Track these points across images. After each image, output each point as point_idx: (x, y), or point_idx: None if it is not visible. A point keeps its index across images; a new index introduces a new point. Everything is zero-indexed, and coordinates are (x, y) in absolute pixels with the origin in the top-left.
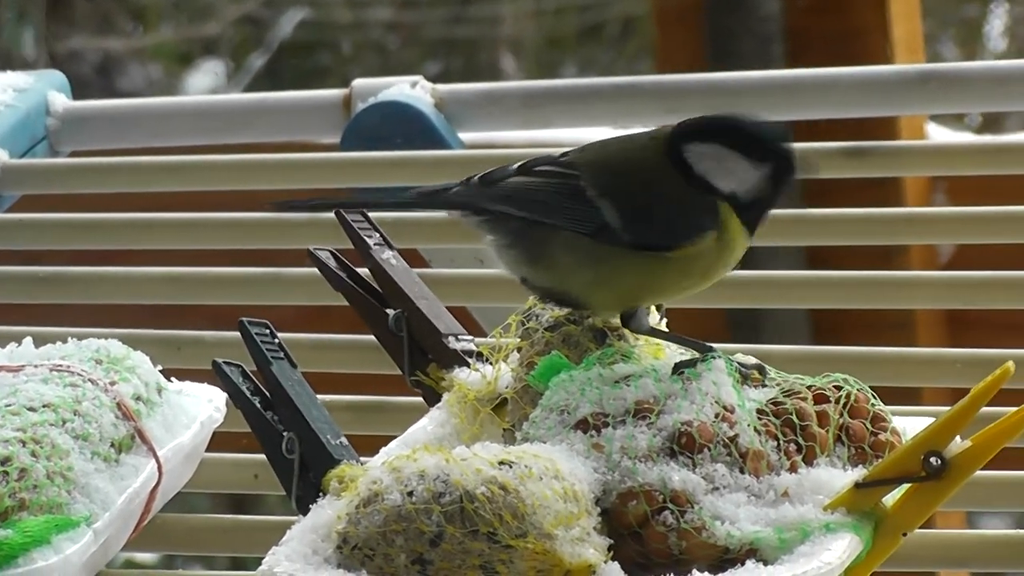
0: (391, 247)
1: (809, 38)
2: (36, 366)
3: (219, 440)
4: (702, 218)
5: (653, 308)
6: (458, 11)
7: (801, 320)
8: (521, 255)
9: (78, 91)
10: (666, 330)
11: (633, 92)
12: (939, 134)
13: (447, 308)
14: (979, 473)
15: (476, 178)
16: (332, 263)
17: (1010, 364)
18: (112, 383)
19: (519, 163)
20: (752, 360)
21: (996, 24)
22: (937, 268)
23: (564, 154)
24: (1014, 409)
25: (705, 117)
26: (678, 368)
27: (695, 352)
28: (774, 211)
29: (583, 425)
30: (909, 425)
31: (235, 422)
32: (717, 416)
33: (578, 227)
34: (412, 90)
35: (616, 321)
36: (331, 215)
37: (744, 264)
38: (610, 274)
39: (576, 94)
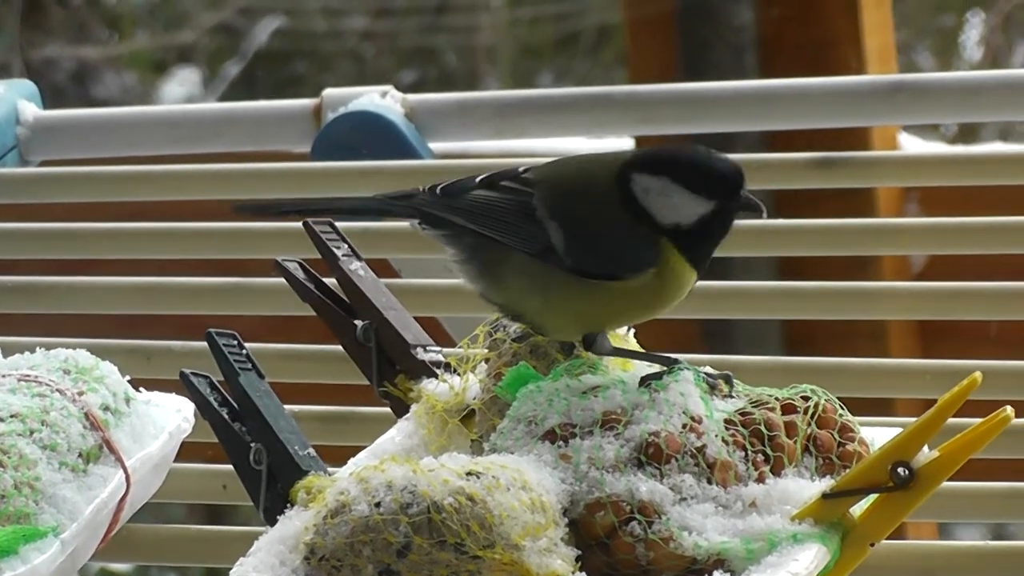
0: (359, 258)
1: (782, 48)
2: (4, 376)
3: (187, 450)
4: (640, 253)
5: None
6: (433, 20)
7: (774, 331)
8: (476, 271)
9: (53, 99)
10: (629, 348)
11: (606, 102)
12: (911, 144)
13: (417, 318)
14: (948, 484)
15: (439, 188)
16: (300, 274)
17: (977, 375)
18: (80, 393)
19: (483, 175)
20: (717, 372)
21: (972, 34)
22: (909, 279)
23: (527, 169)
24: (982, 420)
25: (659, 148)
26: (645, 380)
27: (662, 366)
28: (750, 222)
29: (551, 436)
30: (877, 435)
31: (204, 432)
32: (684, 427)
33: (524, 246)
34: (382, 100)
35: None
36: (299, 225)
37: (717, 275)
38: (558, 300)
39: (548, 104)
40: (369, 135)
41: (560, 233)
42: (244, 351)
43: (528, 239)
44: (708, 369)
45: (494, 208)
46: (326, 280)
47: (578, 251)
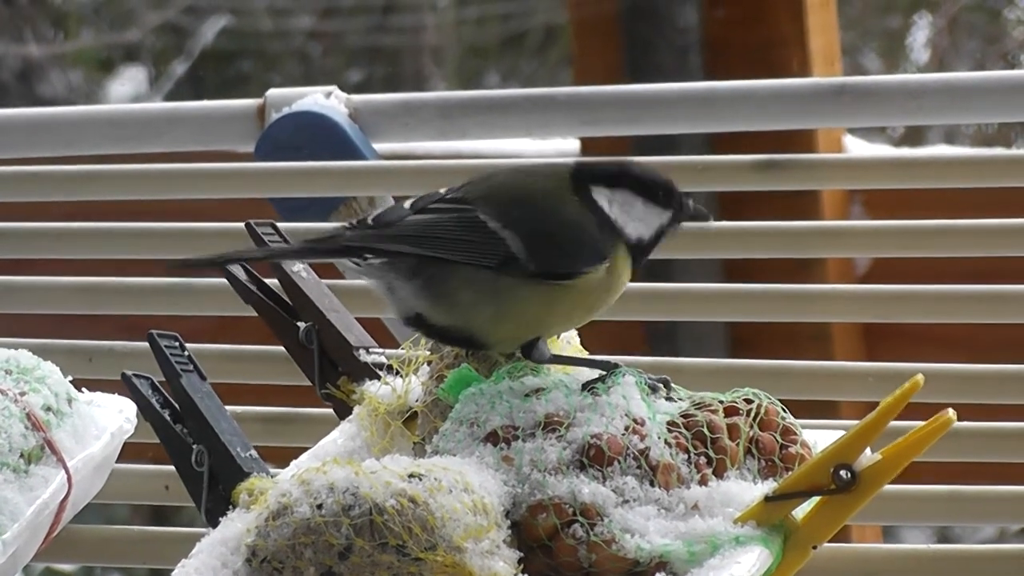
0: None
1: (727, 50)
2: None
3: (130, 451)
4: (599, 247)
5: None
6: (380, 20)
7: (718, 333)
8: (420, 291)
9: None
10: (570, 352)
11: (549, 104)
12: (856, 147)
13: (360, 320)
14: (892, 486)
15: (369, 219)
16: (242, 275)
17: (919, 377)
18: (22, 393)
19: (412, 201)
20: (655, 376)
21: (919, 36)
22: (853, 281)
23: (449, 191)
24: (924, 422)
25: (602, 162)
26: (588, 385)
27: (601, 370)
28: (691, 224)
29: (493, 438)
30: (820, 438)
31: (146, 433)
32: (627, 429)
33: (481, 260)
34: (326, 100)
35: None
36: (241, 226)
37: (661, 277)
38: (511, 306)
39: (492, 105)
40: (313, 135)
41: (519, 241)
42: (186, 352)
43: (485, 252)
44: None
45: (440, 228)
46: (268, 281)
47: (541, 255)
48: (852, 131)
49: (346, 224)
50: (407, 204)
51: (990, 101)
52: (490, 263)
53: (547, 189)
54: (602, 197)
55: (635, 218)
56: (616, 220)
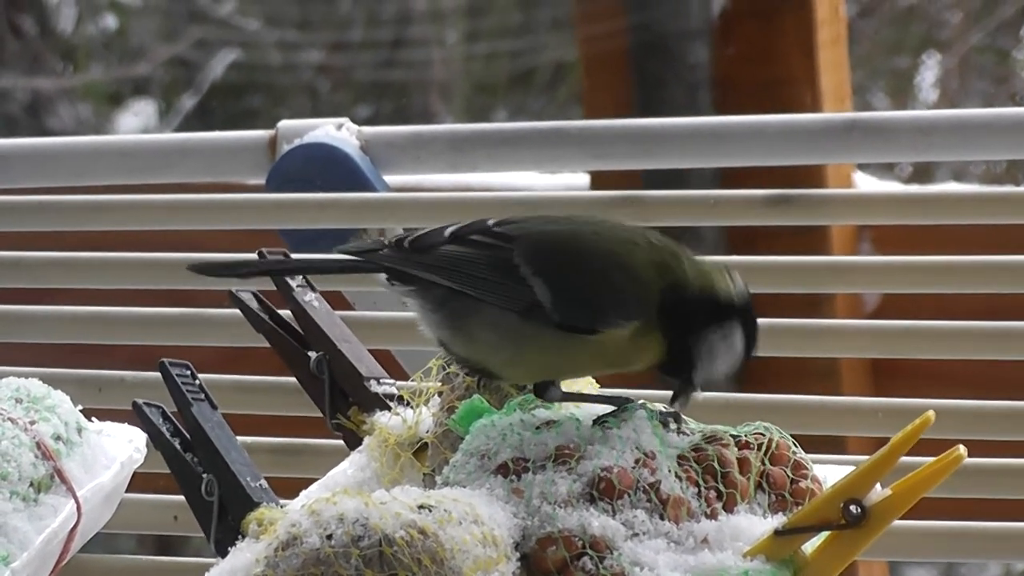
0: (313, 289)
1: (738, 87)
2: None
3: (139, 481)
4: (628, 309)
5: None
6: (389, 55)
7: None
8: (443, 322)
9: (7, 130)
10: (582, 388)
11: (559, 137)
12: (866, 183)
13: (371, 351)
14: (900, 522)
15: (407, 241)
16: (254, 305)
17: (930, 414)
18: (32, 422)
19: (453, 228)
20: (666, 410)
21: (927, 76)
22: (862, 317)
23: (499, 223)
24: (934, 458)
25: (738, 294)
26: (599, 419)
27: (614, 405)
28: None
29: (503, 470)
30: (830, 473)
31: (155, 463)
32: (637, 462)
33: (506, 303)
34: (338, 132)
35: None
36: (254, 255)
37: None
38: (529, 353)
39: (502, 139)
40: (324, 167)
41: (546, 289)
42: (197, 381)
43: (511, 296)
44: (660, 407)
45: (471, 264)
46: (280, 311)
47: (565, 305)
48: (862, 167)
49: (383, 241)
50: (448, 230)
51: (1000, 138)
52: (514, 307)
53: (609, 246)
54: (708, 335)
55: (715, 357)
56: (698, 355)
